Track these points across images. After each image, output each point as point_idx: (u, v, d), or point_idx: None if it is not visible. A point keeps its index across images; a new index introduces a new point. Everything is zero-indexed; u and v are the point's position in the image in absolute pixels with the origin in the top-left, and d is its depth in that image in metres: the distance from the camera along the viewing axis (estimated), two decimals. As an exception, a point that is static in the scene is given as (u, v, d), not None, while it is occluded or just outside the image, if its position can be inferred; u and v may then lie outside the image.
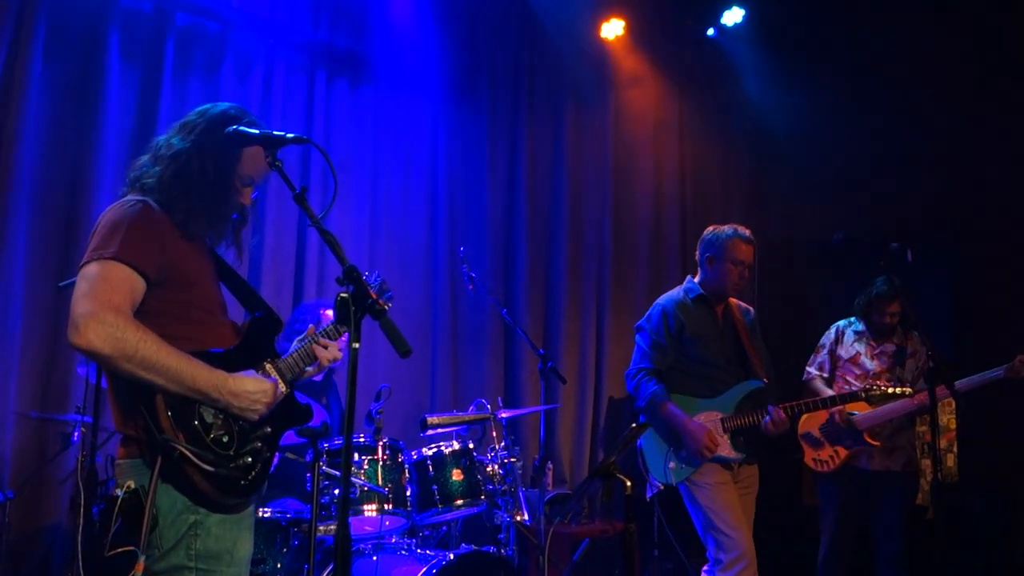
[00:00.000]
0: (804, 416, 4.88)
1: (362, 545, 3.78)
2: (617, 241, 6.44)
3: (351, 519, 3.69)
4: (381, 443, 3.82)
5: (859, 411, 4.63)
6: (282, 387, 2.35)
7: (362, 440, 3.82)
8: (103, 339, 2.03)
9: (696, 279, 4.08)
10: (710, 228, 4.08)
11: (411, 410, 5.19)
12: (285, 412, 2.37)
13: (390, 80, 5.56)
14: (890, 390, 4.02)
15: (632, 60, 6.63)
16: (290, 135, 2.26)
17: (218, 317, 2.37)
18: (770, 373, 3.96)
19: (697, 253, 4.09)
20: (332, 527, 3.57)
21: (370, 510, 3.70)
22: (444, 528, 4.34)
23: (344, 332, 2.51)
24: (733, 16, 6.58)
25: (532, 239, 6.05)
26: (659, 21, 6.67)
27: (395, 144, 5.60)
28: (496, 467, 4.04)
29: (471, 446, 4.01)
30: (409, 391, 5.35)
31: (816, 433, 4.81)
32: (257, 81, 5.01)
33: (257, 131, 2.29)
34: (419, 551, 3.76)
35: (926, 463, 4.80)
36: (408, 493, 3.82)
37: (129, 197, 2.28)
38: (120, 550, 2.04)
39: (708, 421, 3.83)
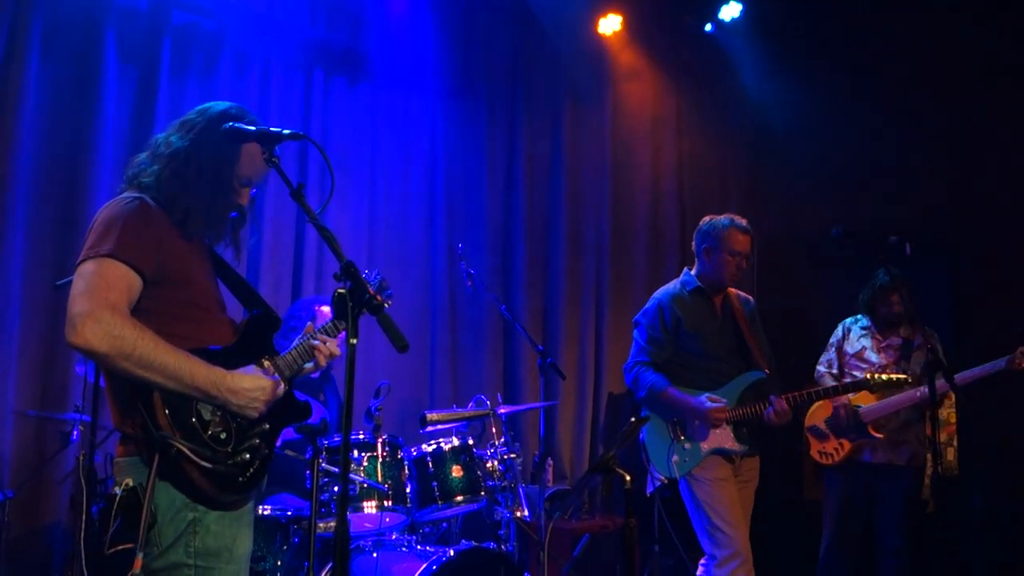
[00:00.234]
0: (811, 409, 4.90)
1: (362, 542, 3.77)
2: (615, 237, 6.43)
3: (351, 516, 3.71)
4: (380, 440, 3.81)
5: (865, 403, 4.65)
6: (281, 384, 2.35)
7: (361, 437, 3.82)
8: (100, 338, 2.03)
9: (693, 271, 4.07)
10: (706, 218, 4.07)
11: (410, 407, 5.19)
12: (283, 409, 2.37)
13: (388, 78, 5.55)
14: (885, 376, 4.01)
15: (629, 56, 6.62)
16: (287, 131, 2.27)
17: (216, 315, 2.37)
18: (771, 363, 3.96)
19: (694, 244, 4.08)
20: (332, 524, 3.57)
21: (370, 507, 3.70)
22: (444, 525, 4.34)
23: (343, 329, 2.51)
24: (731, 11, 6.56)
25: (530, 235, 6.04)
26: (656, 16, 6.65)
27: (393, 142, 5.59)
28: (496, 463, 4.04)
29: (471, 442, 4.01)
30: (408, 388, 5.35)
31: (822, 426, 4.82)
32: (254, 79, 5.01)
33: (254, 128, 2.30)
34: (419, 548, 3.76)
35: (930, 457, 4.81)
36: (408, 490, 3.82)
37: (126, 194, 2.28)
38: (119, 548, 2.04)
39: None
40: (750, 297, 4.18)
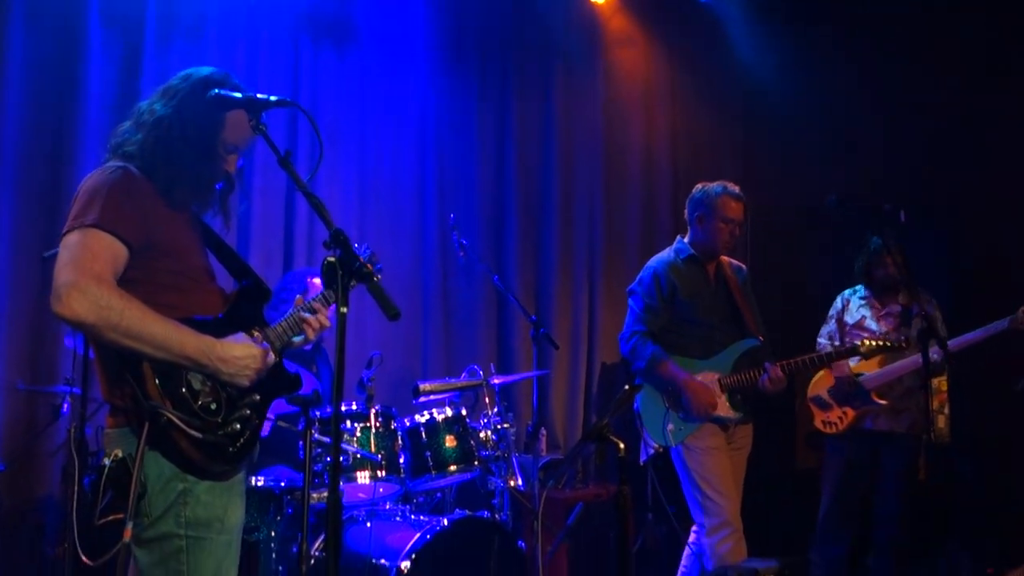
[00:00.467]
0: (813, 380, 4.92)
1: (356, 512, 3.78)
2: (608, 206, 6.40)
3: (344, 486, 3.71)
4: (373, 410, 3.80)
5: (867, 371, 4.66)
6: (272, 354, 2.33)
7: (354, 407, 3.81)
8: (86, 308, 2.01)
9: (686, 239, 4.05)
10: (699, 186, 4.04)
11: (403, 377, 5.18)
12: (274, 380, 2.35)
13: (377, 46, 5.48)
14: (876, 343, 4.00)
15: (622, 24, 6.54)
16: (274, 97, 2.23)
17: (205, 284, 2.34)
18: (763, 331, 3.95)
19: (686, 212, 4.06)
20: (326, 494, 3.57)
21: (363, 477, 3.70)
22: (438, 495, 4.35)
23: (333, 301, 2.49)
24: (724, -23, 6.50)
25: (523, 205, 6.01)
26: (649, -17, 6.59)
27: (383, 112, 5.52)
28: (489, 433, 4.04)
29: (464, 412, 4.00)
30: (401, 358, 5.33)
31: (825, 396, 4.84)
32: (241, 49, 4.93)
33: (240, 95, 2.25)
34: (413, 517, 3.77)
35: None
36: (401, 460, 3.81)
37: (110, 163, 2.24)
38: (109, 519, 2.03)
39: (706, 381, 3.82)
40: (743, 265, 4.17)
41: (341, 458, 3.61)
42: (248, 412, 2.22)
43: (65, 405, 3.87)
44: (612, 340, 5.11)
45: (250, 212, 4.86)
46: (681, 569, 3.92)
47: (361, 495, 3.87)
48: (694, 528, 3.84)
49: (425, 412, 3.96)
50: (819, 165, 6.17)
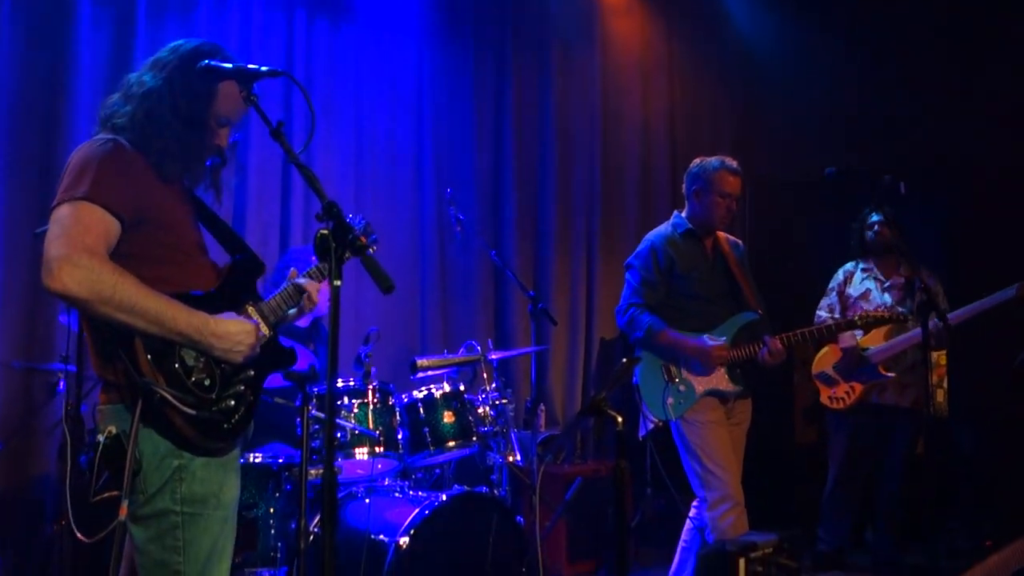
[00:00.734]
0: (817, 356, 4.92)
1: (354, 488, 3.77)
2: (606, 180, 6.37)
3: (343, 462, 3.70)
4: (371, 386, 3.79)
5: (873, 345, 4.65)
6: (264, 329, 2.31)
7: (352, 384, 3.80)
8: (78, 282, 1.98)
9: (683, 213, 4.03)
10: (696, 160, 4.02)
11: (401, 353, 5.17)
12: (269, 355, 2.33)
13: (373, 19, 5.42)
14: (875, 315, 3.98)
15: (620, -3, 6.49)
16: (265, 68, 2.19)
17: (197, 259, 2.31)
18: (761, 306, 3.93)
19: (684, 187, 4.03)
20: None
21: (361, 453, 3.69)
22: (437, 470, 4.35)
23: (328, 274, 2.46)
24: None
25: (520, 180, 5.97)
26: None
27: (379, 86, 5.47)
28: (487, 409, 4.03)
29: (462, 388, 3.99)
30: (398, 334, 5.31)
31: (830, 371, 4.83)
32: (234, 21, 4.87)
33: (231, 65, 2.22)
34: (412, 493, 3.76)
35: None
36: (399, 436, 3.81)
37: (99, 136, 2.21)
38: (104, 496, 2.01)
39: None
40: (739, 241, 4.15)
41: (339, 434, 3.63)
42: (242, 388, 2.20)
43: (61, 383, 3.85)
44: (610, 315, 5.09)
45: (246, 188, 4.82)
46: (681, 543, 3.92)
47: (359, 471, 3.86)
48: (694, 503, 3.84)
49: (423, 388, 3.95)
50: (818, 136, 6.14)
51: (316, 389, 3.62)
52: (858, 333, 4.72)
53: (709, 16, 6.67)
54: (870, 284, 4.84)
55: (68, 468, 2.18)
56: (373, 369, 3.82)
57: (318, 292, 2.48)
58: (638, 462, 5.33)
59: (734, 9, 6.63)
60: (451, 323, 5.63)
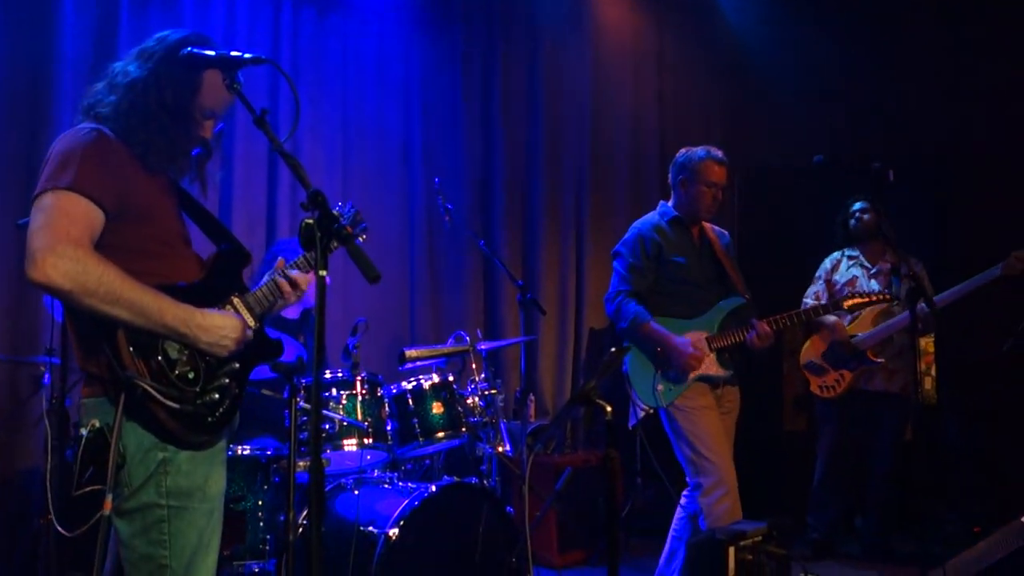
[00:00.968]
0: (804, 347, 4.92)
1: (344, 480, 3.75)
2: (595, 170, 6.35)
3: (332, 454, 3.68)
4: (359, 377, 3.77)
5: (861, 331, 4.66)
6: (251, 322, 2.28)
7: (340, 375, 3.77)
8: (62, 273, 1.95)
9: (670, 203, 4.02)
10: (682, 150, 4.02)
11: (389, 344, 5.15)
12: (255, 347, 2.30)
13: (360, 8, 5.38)
14: (858, 298, 3.97)
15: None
16: (248, 55, 2.14)
17: (182, 250, 2.28)
18: (749, 291, 3.93)
19: (670, 176, 4.03)
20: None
21: (350, 445, 3.67)
22: (427, 461, 4.33)
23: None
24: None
25: (509, 169, 5.95)
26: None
27: (366, 75, 5.43)
28: (477, 399, 4.02)
29: (451, 379, 3.97)
30: (387, 325, 5.30)
31: (818, 360, 4.84)
32: (220, 10, 4.83)
33: (214, 52, 2.18)
34: (401, 484, 3.74)
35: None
36: (388, 427, 3.79)
37: (83, 125, 2.17)
38: (87, 489, 1.99)
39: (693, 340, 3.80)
40: (725, 232, 4.15)
41: (328, 426, 3.61)
42: (227, 381, 2.17)
43: (46, 375, 3.82)
44: (600, 305, 5.08)
45: (232, 180, 4.78)
46: (672, 531, 3.92)
47: (348, 463, 3.84)
48: (685, 492, 3.84)
49: (412, 379, 3.93)
50: (806, 125, 6.13)
51: (304, 381, 3.59)
52: (846, 320, 4.74)
53: (698, 5, 6.66)
54: (856, 271, 4.86)
55: (47, 462, 2.16)
56: (361, 360, 3.79)
57: (307, 283, 2.45)
58: (628, 451, 5.33)
59: (724, 0, 6.62)
60: (440, 313, 5.61)
